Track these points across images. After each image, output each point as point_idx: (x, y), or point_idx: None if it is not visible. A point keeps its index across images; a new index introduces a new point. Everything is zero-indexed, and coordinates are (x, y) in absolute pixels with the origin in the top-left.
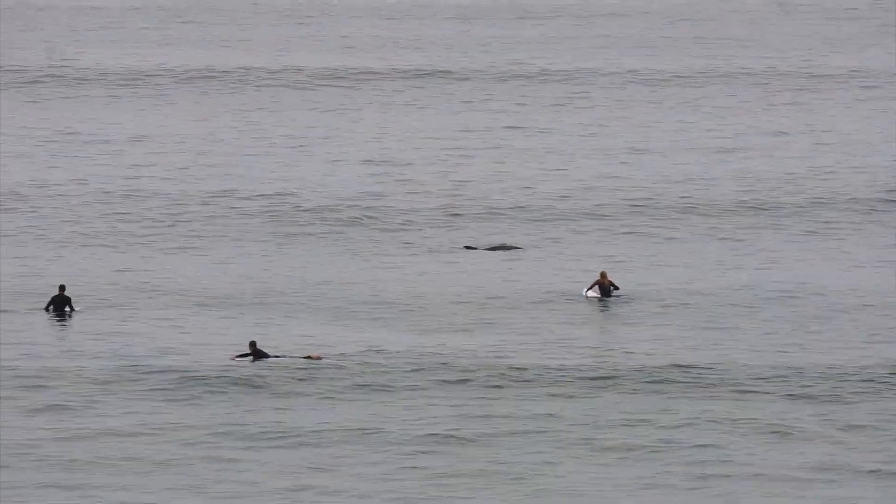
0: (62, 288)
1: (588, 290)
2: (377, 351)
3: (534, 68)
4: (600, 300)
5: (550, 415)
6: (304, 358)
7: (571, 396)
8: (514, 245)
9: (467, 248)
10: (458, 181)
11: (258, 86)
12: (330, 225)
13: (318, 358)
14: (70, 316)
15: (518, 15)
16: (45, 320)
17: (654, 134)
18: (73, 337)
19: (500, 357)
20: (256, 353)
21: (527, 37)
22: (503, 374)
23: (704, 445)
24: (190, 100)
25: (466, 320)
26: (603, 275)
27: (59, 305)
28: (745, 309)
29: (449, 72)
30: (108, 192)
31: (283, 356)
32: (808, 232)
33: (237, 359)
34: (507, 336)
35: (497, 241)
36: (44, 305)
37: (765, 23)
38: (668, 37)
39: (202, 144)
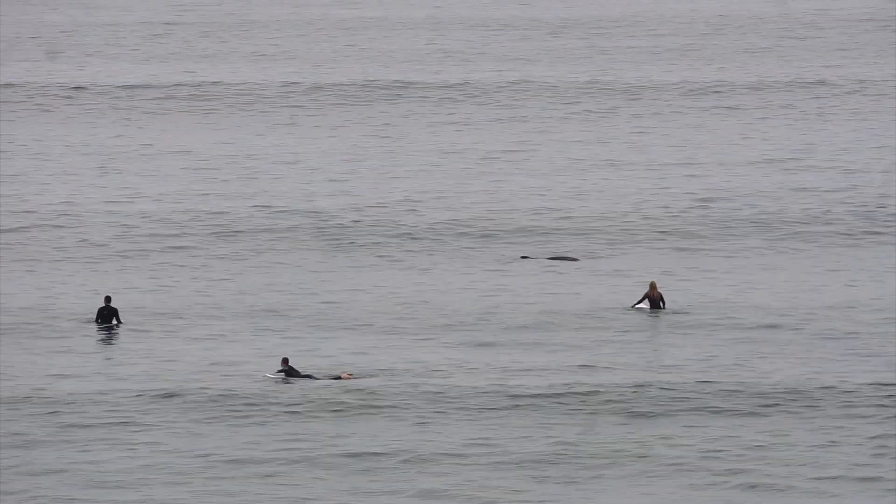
0: (108, 300)
1: (637, 302)
2: (409, 370)
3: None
4: (649, 312)
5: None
6: (335, 378)
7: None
8: (572, 256)
9: (524, 258)
10: (498, 195)
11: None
12: (373, 239)
13: (349, 377)
14: (117, 329)
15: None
16: (93, 334)
17: (697, 146)
18: (113, 356)
19: (540, 377)
20: (288, 371)
21: (558, 48)
22: (535, 395)
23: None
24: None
25: (512, 336)
26: (653, 286)
27: (107, 318)
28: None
29: (473, 84)
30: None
31: (314, 376)
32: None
33: (272, 375)
34: (553, 354)
35: (554, 251)
36: (92, 318)
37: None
38: (712, 45)
39: (237, 161)
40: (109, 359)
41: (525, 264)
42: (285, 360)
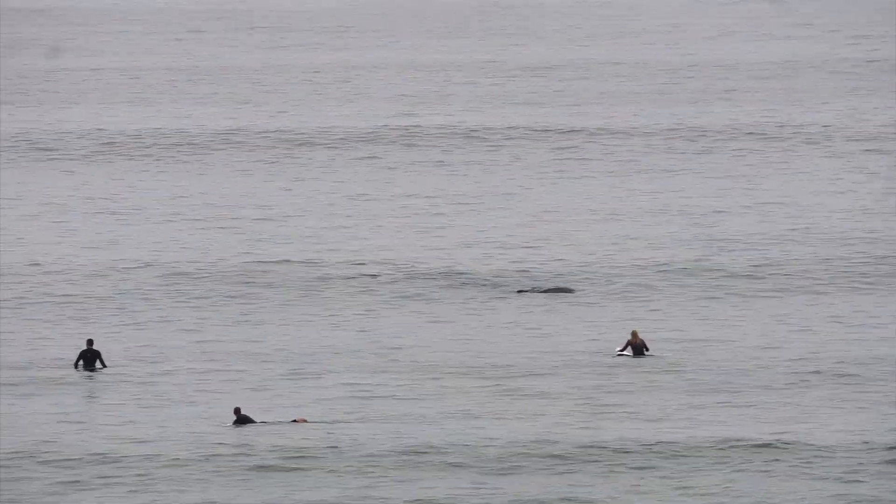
0: (90, 342)
1: (621, 349)
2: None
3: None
4: (633, 358)
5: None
6: (291, 422)
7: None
8: (568, 287)
9: (520, 291)
10: (478, 239)
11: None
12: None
13: (304, 421)
14: (101, 372)
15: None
16: (76, 378)
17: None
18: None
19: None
20: (241, 419)
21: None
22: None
23: None
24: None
25: (486, 383)
26: (634, 334)
27: (90, 361)
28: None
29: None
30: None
31: (267, 422)
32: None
33: (222, 424)
34: (534, 402)
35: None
36: (72, 362)
37: None
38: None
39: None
40: (91, 407)
41: (517, 299)
42: (237, 410)
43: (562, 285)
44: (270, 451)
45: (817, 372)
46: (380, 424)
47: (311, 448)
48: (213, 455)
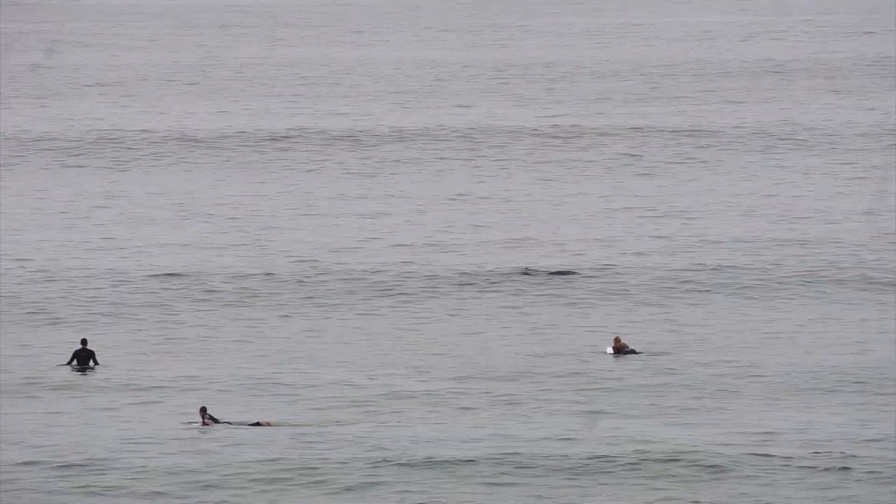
0: (84, 342)
1: (612, 353)
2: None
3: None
4: (615, 358)
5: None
6: (253, 424)
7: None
8: (571, 270)
9: (525, 272)
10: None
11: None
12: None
13: (269, 424)
14: (93, 370)
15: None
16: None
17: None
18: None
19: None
20: (207, 420)
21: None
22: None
23: None
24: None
25: (481, 386)
26: (617, 340)
27: (83, 360)
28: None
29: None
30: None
31: (232, 423)
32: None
33: (189, 424)
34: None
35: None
36: (66, 361)
37: None
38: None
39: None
40: (84, 409)
41: (516, 295)
42: (203, 410)
43: (565, 269)
44: (238, 453)
45: (811, 375)
46: (363, 427)
47: (287, 454)
48: (176, 460)
